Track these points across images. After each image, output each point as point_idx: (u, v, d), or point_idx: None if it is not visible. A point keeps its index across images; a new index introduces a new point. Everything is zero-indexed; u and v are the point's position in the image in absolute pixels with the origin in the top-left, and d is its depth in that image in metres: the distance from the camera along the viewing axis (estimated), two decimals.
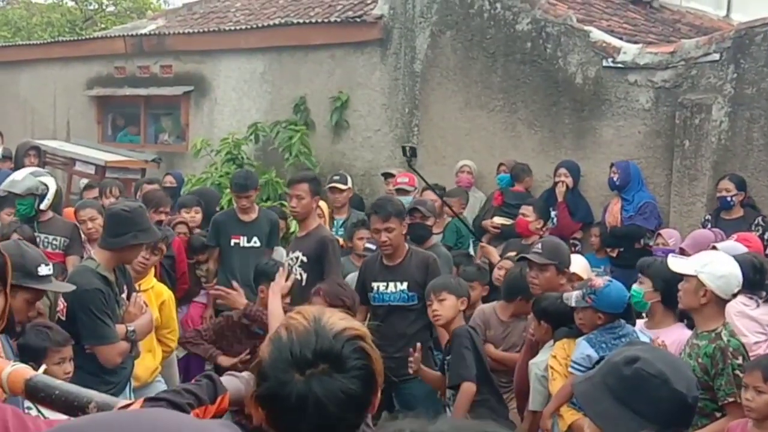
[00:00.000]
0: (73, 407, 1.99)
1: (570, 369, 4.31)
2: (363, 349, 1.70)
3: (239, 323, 5.19)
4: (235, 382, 2.03)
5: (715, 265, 3.93)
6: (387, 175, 8.61)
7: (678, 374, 2.05)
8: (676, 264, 4.07)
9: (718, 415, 3.82)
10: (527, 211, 7.02)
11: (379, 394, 1.73)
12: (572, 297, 4.41)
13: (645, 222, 7.45)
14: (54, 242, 6.26)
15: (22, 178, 6.42)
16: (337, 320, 1.72)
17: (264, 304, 5.17)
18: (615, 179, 7.69)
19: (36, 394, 2.04)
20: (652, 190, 7.82)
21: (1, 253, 2.45)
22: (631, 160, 7.82)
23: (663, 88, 7.93)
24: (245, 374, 2.08)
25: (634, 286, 4.52)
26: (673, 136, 7.79)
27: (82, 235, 6.40)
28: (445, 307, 4.54)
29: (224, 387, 1.96)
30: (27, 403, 3.21)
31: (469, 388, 4.43)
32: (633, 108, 8.07)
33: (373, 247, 6.17)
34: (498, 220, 8.11)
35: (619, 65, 8.13)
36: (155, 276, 5.72)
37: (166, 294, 5.56)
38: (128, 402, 1.92)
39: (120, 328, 4.48)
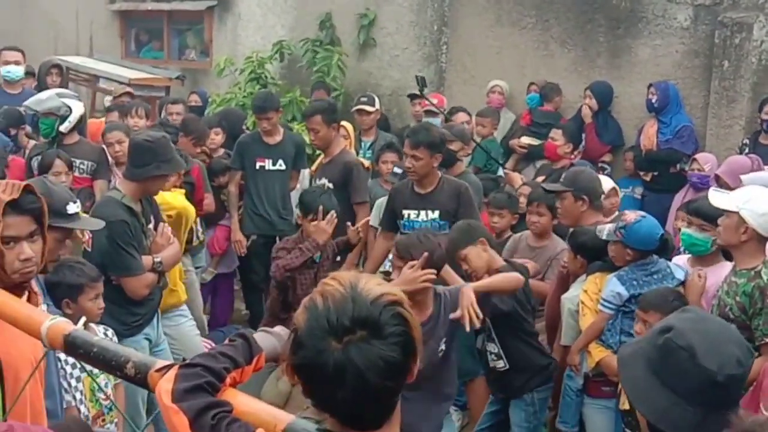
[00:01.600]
0: (110, 366, 1.97)
1: (599, 306, 4.25)
2: (401, 315, 1.64)
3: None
4: (270, 340, 1.99)
5: (758, 201, 3.79)
6: (413, 96, 8.42)
7: (712, 350, 1.88)
8: (718, 199, 3.95)
9: (756, 354, 3.74)
10: (556, 135, 6.86)
11: (418, 361, 1.67)
12: (605, 230, 4.33)
13: (682, 146, 7.21)
14: (81, 166, 6.20)
15: (46, 98, 6.39)
16: (374, 286, 1.66)
17: (308, 234, 5.11)
18: (653, 101, 7.41)
19: (75, 350, 2.02)
20: (689, 111, 7.58)
21: (38, 196, 2.43)
22: (668, 81, 7.57)
23: (702, 6, 7.63)
24: (278, 329, 2.05)
25: (697, 234, 4.30)
26: (712, 56, 7.52)
27: (110, 159, 6.34)
28: (471, 261, 4.32)
29: (259, 346, 1.93)
30: (62, 356, 3.22)
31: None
32: (671, 26, 7.78)
33: (399, 171, 6.08)
34: (525, 140, 7.98)
35: None
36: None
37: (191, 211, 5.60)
38: (167, 363, 1.88)
39: (147, 260, 4.47)
